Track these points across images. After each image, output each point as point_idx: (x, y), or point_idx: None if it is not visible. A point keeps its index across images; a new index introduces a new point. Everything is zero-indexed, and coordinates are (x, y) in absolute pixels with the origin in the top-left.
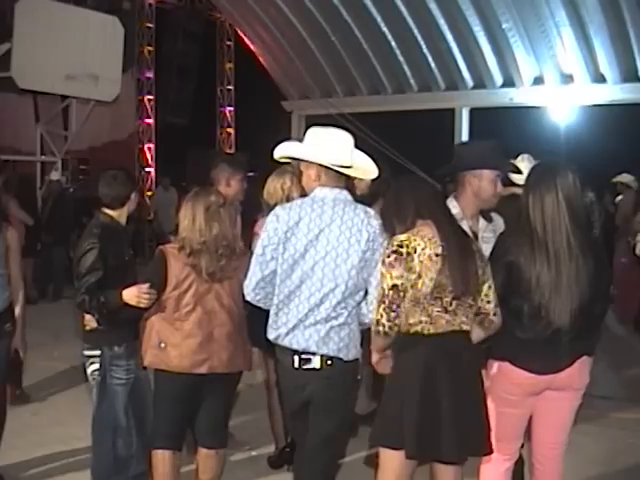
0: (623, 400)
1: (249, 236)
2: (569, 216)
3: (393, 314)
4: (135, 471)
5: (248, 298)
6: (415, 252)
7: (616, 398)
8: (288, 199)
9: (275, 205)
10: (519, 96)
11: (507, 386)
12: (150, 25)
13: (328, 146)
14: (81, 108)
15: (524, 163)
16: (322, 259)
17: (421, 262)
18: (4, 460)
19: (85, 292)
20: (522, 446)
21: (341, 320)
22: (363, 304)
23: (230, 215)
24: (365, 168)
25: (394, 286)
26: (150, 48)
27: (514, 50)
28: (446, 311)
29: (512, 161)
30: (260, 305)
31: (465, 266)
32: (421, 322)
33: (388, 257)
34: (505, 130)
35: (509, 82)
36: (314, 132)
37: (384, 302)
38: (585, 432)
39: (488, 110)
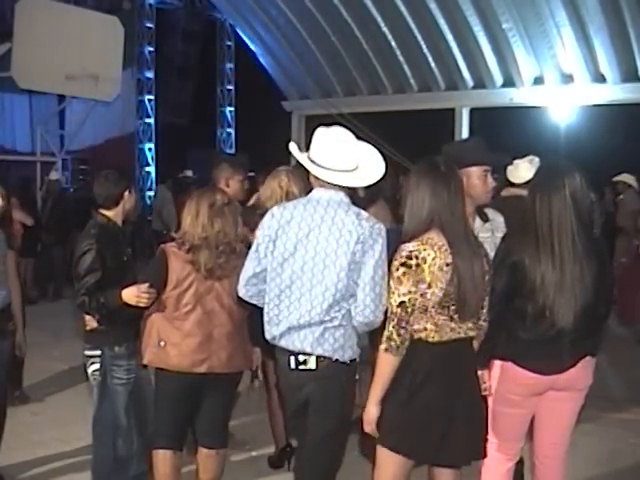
0: (623, 400)
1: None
2: (575, 216)
3: (402, 330)
4: (135, 471)
5: (240, 294)
6: (425, 262)
7: (616, 398)
8: (288, 195)
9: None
10: (519, 96)
11: (510, 386)
12: (150, 25)
13: (326, 152)
14: (80, 108)
15: (525, 164)
16: (312, 259)
17: (432, 272)
18: (4, 460)
19: (85, 293)
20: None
21: (336, 322)
22: (352, 307)
23: (234, 214)
24: (370, 169)
25: (401, 303)
26: (150, 48)
27: (514, 50)
28: (451, 319)
29: (517, 161)
30: (253, 302)
31: (474, 286)
32: (426, 329)
33: (397, 270)
34: (505, 130)
35: (509, 82)
36: (316, 140)
37: (393, 319)
38: (585, 432)
39: (488, 110)
